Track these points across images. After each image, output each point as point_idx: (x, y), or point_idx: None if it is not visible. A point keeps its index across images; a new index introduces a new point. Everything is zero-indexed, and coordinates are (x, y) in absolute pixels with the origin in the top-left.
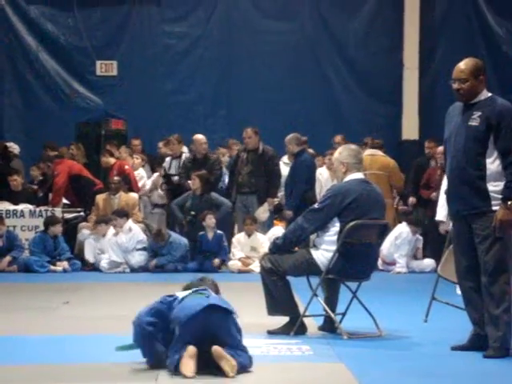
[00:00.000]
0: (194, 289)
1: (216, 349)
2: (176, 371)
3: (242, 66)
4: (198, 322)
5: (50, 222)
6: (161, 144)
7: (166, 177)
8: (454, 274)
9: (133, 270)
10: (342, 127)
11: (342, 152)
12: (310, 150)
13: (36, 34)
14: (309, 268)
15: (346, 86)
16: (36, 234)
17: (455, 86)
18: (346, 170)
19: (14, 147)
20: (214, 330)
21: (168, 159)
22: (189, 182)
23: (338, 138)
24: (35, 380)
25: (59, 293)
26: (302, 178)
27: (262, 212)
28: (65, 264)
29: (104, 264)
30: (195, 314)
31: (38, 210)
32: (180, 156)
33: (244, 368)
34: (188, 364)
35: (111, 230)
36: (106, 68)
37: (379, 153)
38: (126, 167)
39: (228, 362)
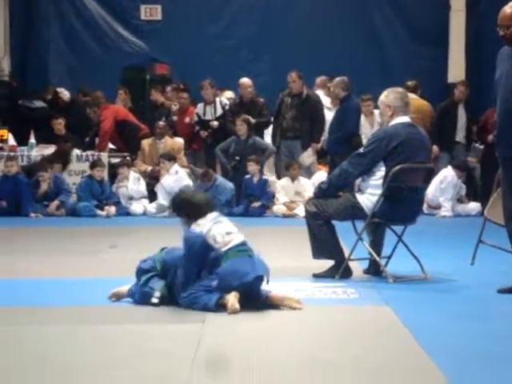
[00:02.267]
0: (233, 244)
1: (273, 296)
2: (216, 309)
3: (287, 10)
4: (242, 287)
5: (94, 165)
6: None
7: (202, 122)
8: (502, 217)
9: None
10: (386, 71)
11: (388, 95)
12: None
13: None
14: (354, 212)
15: (391, 28)
16: (83, 179)
17: (500, 32)
18: (393, 114)
19: (65, 93)
20: (250, 290)
21: (200, 105)
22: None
23: (320, 79)
24: (84, 321)
25: (106, 236)
26: (349, 123)
27: (306, 157)
28: (112, 208)
29: (151, 208)
30: (241, 284)
31: (84, 154)
32: (214, 101)
33: None
34: (235, 300)
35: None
36: (151, 12)
37: (413, 95)
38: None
39: (291, 299)
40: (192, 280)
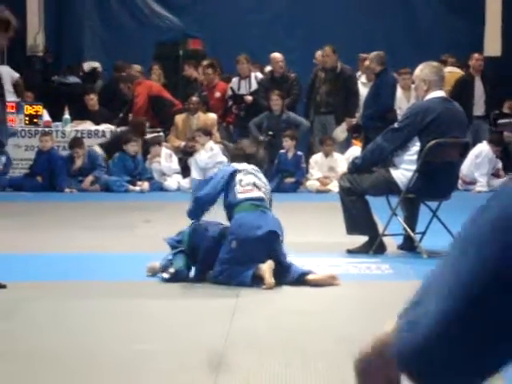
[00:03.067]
0: (249, 196)
1: (312, 278)
2: (252, 284)
3: None
4: (257, 242)
5: (128, 140)
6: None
7: (235, 97)
8: None
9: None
10: (421, 44)
11: (423, 69)
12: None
13: None
14: (388, 187)
15: (427, 1)
16: (116, 154)
17: None
18: (428, 88)
19: (99, 68)
20: (269, 250)
21: (235, 79)
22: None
23: (329, 49)
24: (122, 295)
25: (140, 212)
26: (384, 98)
27: (340, 132)
28: (145, 184)
29: (185, 183)
30: (255, 238)
31: (118, 130)
32: (249, 76)
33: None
34: (270, 275)
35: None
36: None
37: (456, 70)
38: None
39: (329, 279)
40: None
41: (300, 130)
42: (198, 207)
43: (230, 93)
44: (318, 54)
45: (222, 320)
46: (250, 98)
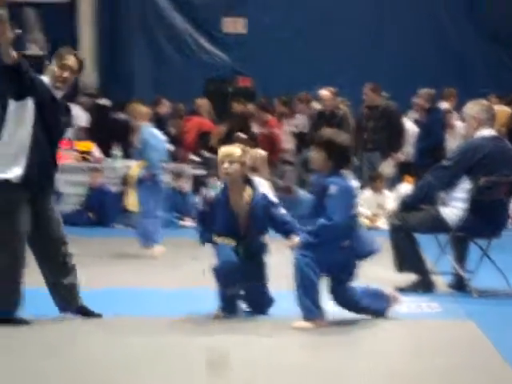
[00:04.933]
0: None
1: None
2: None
3: (367, 20)
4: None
5: (178, 177)
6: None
7: (299, 135)
8: None
9: None
10: (466, 81)
11: (473, 107)
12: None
13: None
14: (437, 225)
15: (467, 35)
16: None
17: None
18: (478, 126)
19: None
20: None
21: (299, 116)
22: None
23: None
24: (166, 332)
25: (188, 248)
26: (434, 135)
27: (386, 167)
28: (194, 219)
29: None
30: (372, 251)
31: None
32: (308, 113)
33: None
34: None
35: None
36: (234, 25)
37: (505, 108)
38: (276, 131)
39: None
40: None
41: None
42: (334, 233)
43: (293, 129)
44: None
45: (275, 355)
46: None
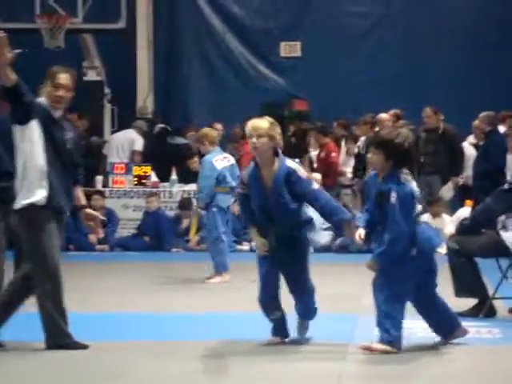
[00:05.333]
0: None
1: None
2: None
3: (425, 45)
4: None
5: (234, 201)
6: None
7: (359, 156)
8: None
9: (315, 249)
10: None
11: None
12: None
13: (222, 17)
14: (498, 249)
15: None
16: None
17: None
18: None
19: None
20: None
21: (363, 139)
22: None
23: (429, 111)
24: (230, 355)
25: (246, 271)
26: (495, 158)
27: (446, 191)
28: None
29: None
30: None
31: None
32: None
33: None
34: None
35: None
36: (290, 49)
37: None
38: (333, 154)
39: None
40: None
41: None
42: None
43: (355, 151)
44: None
45: None
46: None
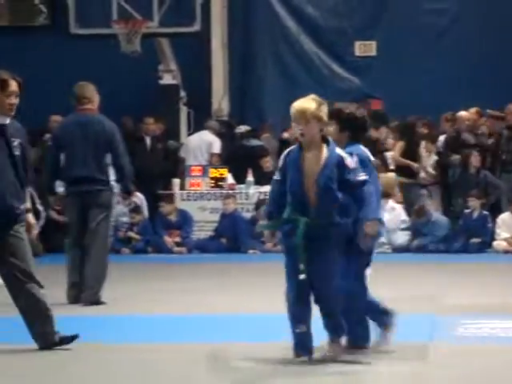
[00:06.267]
0: None
1: None
2: None
3: (504, 41)
4: None
5: None
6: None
7: (440, 155)
8: None
9: (394, 249)
10: None
11: None
12: None
13: (297, 18)
14: None
15: None
16: None
17: None
18: None
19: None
20: None
21: (442, 138)
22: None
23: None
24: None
25: None
26: None
27: None
28: None
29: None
30: None
31: None
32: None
33: None
34: None
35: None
36: (365, 48)
37: None
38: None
39: None
40: None
41: (495, 193)
42: None
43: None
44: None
45: None
46: (455, 157)
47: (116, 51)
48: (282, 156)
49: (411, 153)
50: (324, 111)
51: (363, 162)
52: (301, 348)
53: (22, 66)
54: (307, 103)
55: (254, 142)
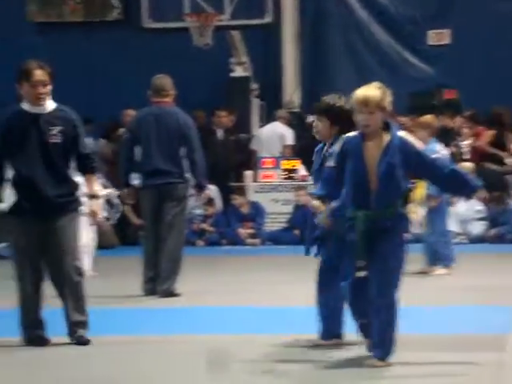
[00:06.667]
0: None
1: None
2: None
3: None
4: None
5: None
6: None
7: None
8: None
9: (470, 240)
10: None
11: None
12: None
13: (367, 6)
14: None
15: None
16: None
17: None
18: None
19: None
20: None
21: None
22: None
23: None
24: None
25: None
26: None
27: None
28: None
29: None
30: None
31: None
32: None
33: None
34: None
35: None
36: (439, 37)
37: None
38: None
39: None
40: None
41: None
42: None
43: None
44: None
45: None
46: None
47: (188, 44)
48: (340, 142)
49: (499, 142)
50: (388, 99)
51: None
52: (364, 336)
53: (95, 61)
54: (371, 92)
55: None
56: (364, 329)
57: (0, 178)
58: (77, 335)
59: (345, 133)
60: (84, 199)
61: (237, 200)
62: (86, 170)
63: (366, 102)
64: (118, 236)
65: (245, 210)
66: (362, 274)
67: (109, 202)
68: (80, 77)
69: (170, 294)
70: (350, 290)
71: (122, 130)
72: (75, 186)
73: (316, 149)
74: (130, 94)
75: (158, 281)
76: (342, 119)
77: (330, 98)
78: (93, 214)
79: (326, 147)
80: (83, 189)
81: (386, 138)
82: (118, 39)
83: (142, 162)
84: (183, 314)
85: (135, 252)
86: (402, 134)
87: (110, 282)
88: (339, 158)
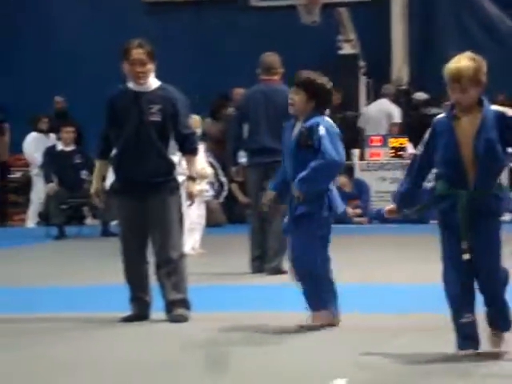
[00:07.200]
0: None
1: None
2: None
3: None
4: None
5: None
6: None
7: None
8: None
9: None
10: None
11: None
12: None
13: None
14: None
15: None
16: None
17: None
18: None
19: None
20: None
21: None
22: None
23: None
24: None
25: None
26: None
27: None
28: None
29: None
30: None
31: None
32: None
33: None
34: None
35: None
36: None
37: None
38: None
39: None
40: None
41: None
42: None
43: None
44: None
45: None
46: None
47: (296, 22)
48: (430, 128)
49: None
50: (483, 71)
51: (332, 135)
52: (468, 341)
53: (204, 40)
54: (464, 64)
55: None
56: (467, 329)
57: (106, 156)
58: (173, 313)
59: (320, 111)
60: (182, 178)
61: (339, 179)
62: (185, 150)
63: (458, 78)
64: (225, 214)
65: (348, 188)
66: (466, 256)
67: (217, 181)
68: (189, 56)
69: (279, 271)
70: (451, 280)
71: (230, 110)
72: (173, 165)
73: (286, 125)
74: (238, 73)
75: (266, 259)
76: (319, 96)
77: (311, 74)
78: (190, 196)
79: (299, 123)
80: (179, 169)
81: (480, 112)
82: (226, 18)
83: (250, 140)
84: (286, 291)
85: (242, 230)
86: (496, 107)
87: (217, 259)
88: (427, 143)
